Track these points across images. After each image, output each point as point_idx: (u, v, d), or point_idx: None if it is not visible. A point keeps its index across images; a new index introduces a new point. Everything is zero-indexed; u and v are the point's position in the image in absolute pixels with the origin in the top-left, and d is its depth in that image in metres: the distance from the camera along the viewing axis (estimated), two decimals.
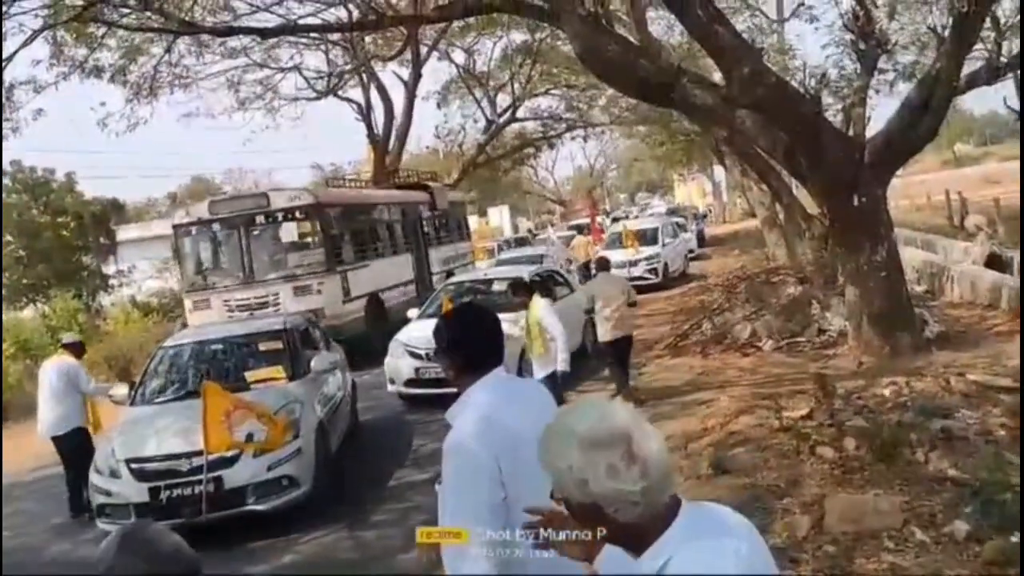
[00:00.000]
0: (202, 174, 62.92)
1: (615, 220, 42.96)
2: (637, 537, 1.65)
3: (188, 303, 14.90)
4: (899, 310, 10.25)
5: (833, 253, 11.17)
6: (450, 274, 19.05)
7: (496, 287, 12.92)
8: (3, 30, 10.91)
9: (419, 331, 11.56)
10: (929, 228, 22.58)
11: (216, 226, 14.68)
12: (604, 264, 10.79)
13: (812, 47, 46.32)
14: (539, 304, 8.31)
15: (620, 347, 9.82)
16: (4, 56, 11.67)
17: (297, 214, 14.32)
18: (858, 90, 10.97)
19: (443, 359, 2.68)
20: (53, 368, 8.43)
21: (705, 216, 53.33)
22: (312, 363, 8.45)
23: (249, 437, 6.97)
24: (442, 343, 2.67)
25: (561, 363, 8.07)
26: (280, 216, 14.35)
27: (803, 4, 13.87)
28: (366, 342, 13.84)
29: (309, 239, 14.53)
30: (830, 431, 6.73)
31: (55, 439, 8.27)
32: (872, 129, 10.87)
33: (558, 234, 35.63)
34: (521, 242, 34.57)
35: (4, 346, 17.01)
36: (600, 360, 10.76)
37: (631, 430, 1.63)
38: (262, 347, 8.70)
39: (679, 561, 1.59)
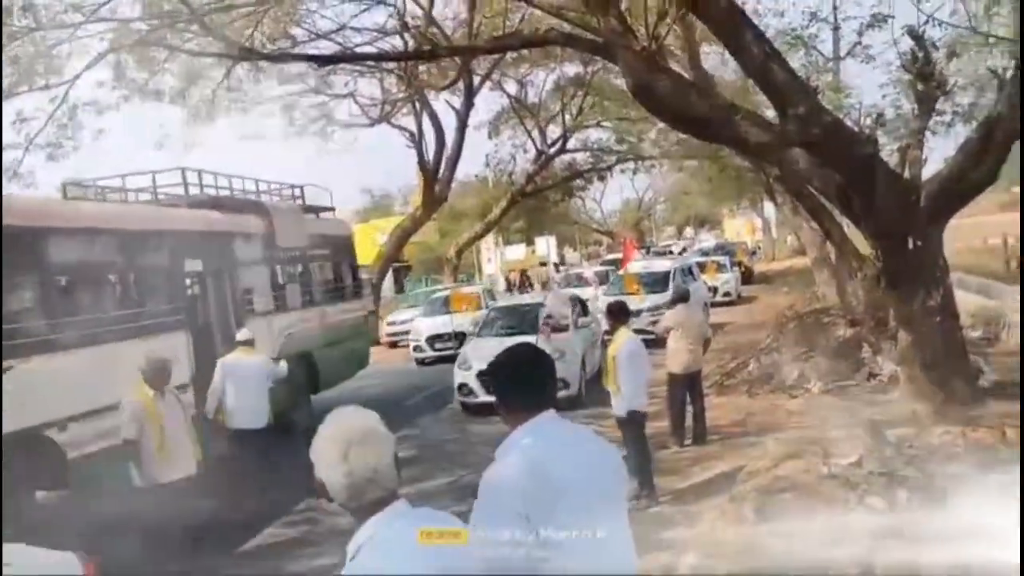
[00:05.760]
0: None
1: (660, 254, 42.51)
2: (353, 516, 2.15)
3: None
4: (954, 357, 9.95)
5: (886, 296, 10.93)
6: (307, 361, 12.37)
7: None
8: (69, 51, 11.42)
9: None
10: (985, 272, 22.02)
11: None
12: (684, 296, 10.70)
13: (868, 85, 45.88)
14: (622, 338, 7.71)
15: (688, 381, 9.73)
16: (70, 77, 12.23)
17: None
18: (915, 131, 10.75)
19: (497, 398, 2.71)
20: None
21: (754, 253, 52.83)
22: None
23: None
24: (494, 380, 2.72)
25: (636, 404, 7.64)
26: None
27: (859, 43, 13.70)
28: None
29: None
30: (880, 480, 6.55)
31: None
32: (927, 171, 10.66)
33: (594, 269, 31.43)
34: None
35: None
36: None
37: (351, 441, 2.10)
38: None
39: (366, 548, 2.06)
